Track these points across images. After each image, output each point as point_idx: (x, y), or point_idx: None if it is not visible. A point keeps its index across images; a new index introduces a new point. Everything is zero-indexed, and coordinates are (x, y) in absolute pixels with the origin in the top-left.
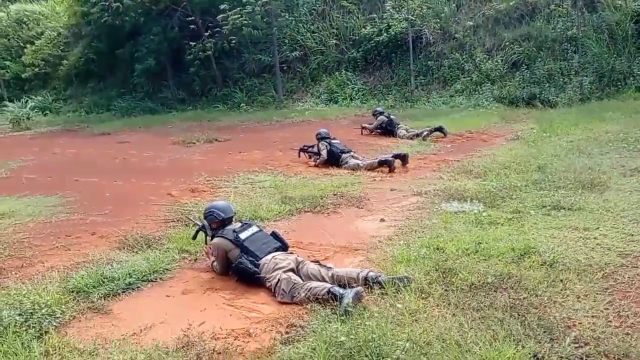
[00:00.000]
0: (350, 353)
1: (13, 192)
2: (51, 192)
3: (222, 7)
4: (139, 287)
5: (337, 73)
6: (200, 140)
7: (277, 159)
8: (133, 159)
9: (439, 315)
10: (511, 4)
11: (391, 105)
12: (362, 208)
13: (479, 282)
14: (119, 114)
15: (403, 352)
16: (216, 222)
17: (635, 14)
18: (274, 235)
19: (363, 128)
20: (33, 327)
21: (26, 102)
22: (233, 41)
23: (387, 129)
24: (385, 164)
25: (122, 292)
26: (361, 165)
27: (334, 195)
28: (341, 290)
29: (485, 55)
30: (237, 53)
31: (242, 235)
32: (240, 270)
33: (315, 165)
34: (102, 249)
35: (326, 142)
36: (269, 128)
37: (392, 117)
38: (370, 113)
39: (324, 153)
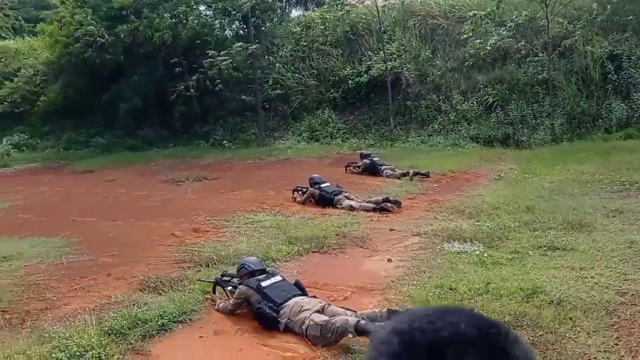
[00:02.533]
0: None
1: (12, 232)
2: (52, 233)
3: (209, 53)
4: (171, 328)
5: (318, 112)
6: (189, 179)
7: (271, 198)
8: (124, 198)
9: None
10: (485, 49)
11: (371, 144)
12: (367, 248)
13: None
14: (99, 150)
15: None
16: (246, 273)
17: (601, 59)
18: (297, 284)
19: (348, 166)
20: None
21: (1, 139)
22: (217, 82)
23: (371, 171)
24: (382, 210)
25: (157, 333)
26: (355, 207)
27: (337, 235)
28: (370, 326)
29: (461, 97)
30: (219, 91)
31: (264, 284)
32: (259, 315)
33: (301, 202)
34: (123, 291)
35: (316, 187)
36: (254, 166)
37: (374, 159)
38: (351, 152)
39: (306, 196)
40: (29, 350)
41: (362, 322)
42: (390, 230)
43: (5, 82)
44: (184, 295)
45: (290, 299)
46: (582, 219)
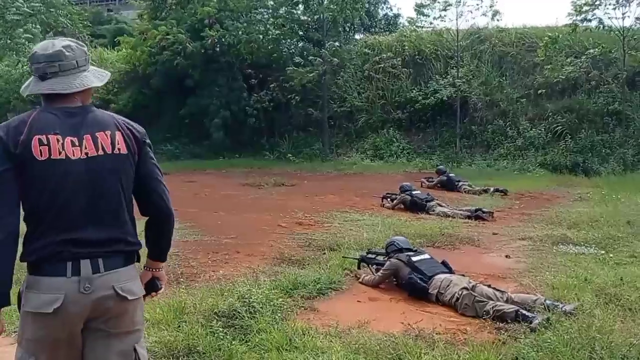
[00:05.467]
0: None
1: None
2: None
3: (296, 60)
4: (326, 293)
5: (383, 131)
6: (269, 184)
7: (358, 203)
8: (214, 195)
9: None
10: (554, 77)
11: (436, 165)
12: (478, 246)
13: None
14: (165, 157)
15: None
16: (396, 250)
17: None
18: (444, 263)
19: (423, 181)
20: (274, 313)
21: None
22: (294, 96)
23: (447, 187)
24: (477, 218)
25: (316, 296)
26: (449, 214)
27: (442, 234)
28: (530, 314)
29: (528, 124)
30: (286, 106)
31: (414, 258)
32: (410, 284)
33: (390, 208)
34: (261, 264)
35: (407, 194)
36: (326, 177)
37: (451, 175)
38: (417, 170)
39: (397, 200)
40: (216, 297)
41: (522, 311)
42: (494, 234)
43: None
44: (325, 269)
45: (439, 274)
46: None
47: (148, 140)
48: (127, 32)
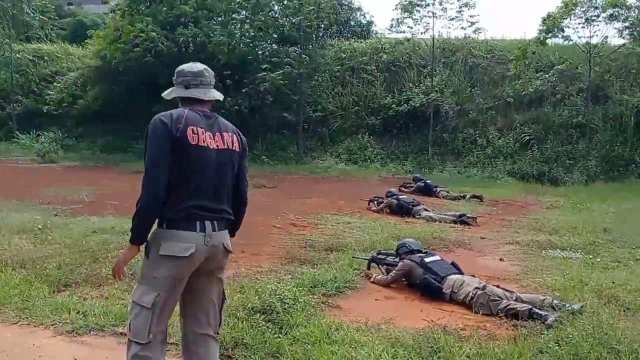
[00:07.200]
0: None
1: (120, 213)
2: None
3: (264, 66)
4: (343, 292)
5: (357, 136)
6: (250, 185)
7: (345, 206)
8: None
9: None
10: (522, 89)
11: (409, 170)
12: (471, 250)
13: None
14: (136, 156)
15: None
16: (407, 251)
17: (636, 108)
18: (454, 264)
19: (401, 187)
20: (304, 309)
21: (37, 136)
22: (268, 97)
23: (424, 193)
24: (463, 224)
25: (335, 294)
26: (435, 218)
27: (434, 238)
28: (543, 313)
29: (497, 133)
30: (259, 109)
31: (427, 259)
32: (425, 284)
33: (376, 211)
34: (270, 263)
35: (394, 198)
36: (304, 180)
37: (428, 181)
38: (391, 175)
39: (383, 204)
40: (247, 292)
41: (536, 309)
42: (482, 238)
43: (44, 83)
44: (336, 269)
45: (451, 274)
46: None
47: (247, 147)
48: (88, 26)
